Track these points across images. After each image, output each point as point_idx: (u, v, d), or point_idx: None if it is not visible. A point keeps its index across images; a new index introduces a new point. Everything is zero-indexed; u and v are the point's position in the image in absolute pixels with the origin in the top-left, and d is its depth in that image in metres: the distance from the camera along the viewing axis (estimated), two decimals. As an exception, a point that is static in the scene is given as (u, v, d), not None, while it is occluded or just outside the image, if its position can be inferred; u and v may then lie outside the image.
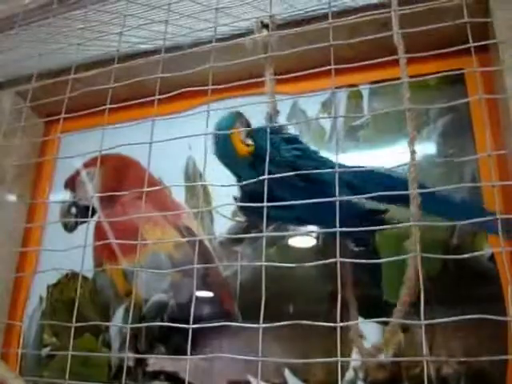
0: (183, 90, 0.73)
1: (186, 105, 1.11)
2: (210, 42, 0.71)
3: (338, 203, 0.51)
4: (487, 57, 0.88)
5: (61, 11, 1.00)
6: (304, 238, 0.99)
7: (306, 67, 0.68)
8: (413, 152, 0.59)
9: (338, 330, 0.47)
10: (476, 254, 0.45)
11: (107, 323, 1.07)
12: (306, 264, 0.54)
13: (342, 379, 0.86)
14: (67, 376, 0.64)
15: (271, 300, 0.82)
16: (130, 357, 1.02)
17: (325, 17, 0.87)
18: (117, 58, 0.80)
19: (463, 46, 0.58)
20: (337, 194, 0.52)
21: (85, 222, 1.14)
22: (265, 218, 0.55)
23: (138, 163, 1.16)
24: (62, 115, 0.81)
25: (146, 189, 0.69)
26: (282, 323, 0.50)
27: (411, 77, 0.65)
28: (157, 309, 1.05)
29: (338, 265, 0.49)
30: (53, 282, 1.17)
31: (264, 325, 0.50)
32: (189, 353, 0.55)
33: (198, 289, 1.03)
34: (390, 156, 1.00)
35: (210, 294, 1.04)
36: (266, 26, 0.75)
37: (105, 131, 0.74)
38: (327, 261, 0.50)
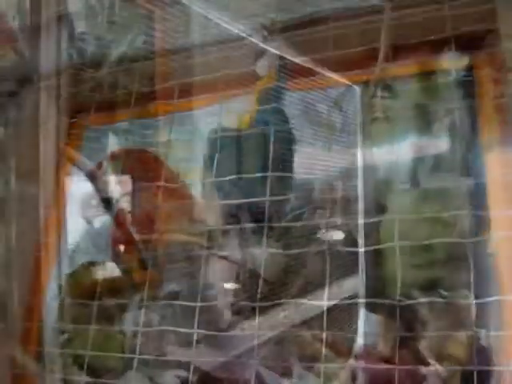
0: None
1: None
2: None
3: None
4: (495, 52, 0.90)
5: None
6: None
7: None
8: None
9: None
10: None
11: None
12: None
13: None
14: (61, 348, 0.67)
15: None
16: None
17: (327, 18, 0.91)
18: (109, 63, 0.84)
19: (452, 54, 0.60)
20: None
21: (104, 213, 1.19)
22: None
23: (159, 157, 1.19)
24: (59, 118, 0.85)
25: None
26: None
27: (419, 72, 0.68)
28: (169, 297, 1.09)
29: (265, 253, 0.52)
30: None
31: (200, 303, 0.54)
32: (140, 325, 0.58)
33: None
34: (400, 149, 1.02)
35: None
36: (267, 29, 0.79)
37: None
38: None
